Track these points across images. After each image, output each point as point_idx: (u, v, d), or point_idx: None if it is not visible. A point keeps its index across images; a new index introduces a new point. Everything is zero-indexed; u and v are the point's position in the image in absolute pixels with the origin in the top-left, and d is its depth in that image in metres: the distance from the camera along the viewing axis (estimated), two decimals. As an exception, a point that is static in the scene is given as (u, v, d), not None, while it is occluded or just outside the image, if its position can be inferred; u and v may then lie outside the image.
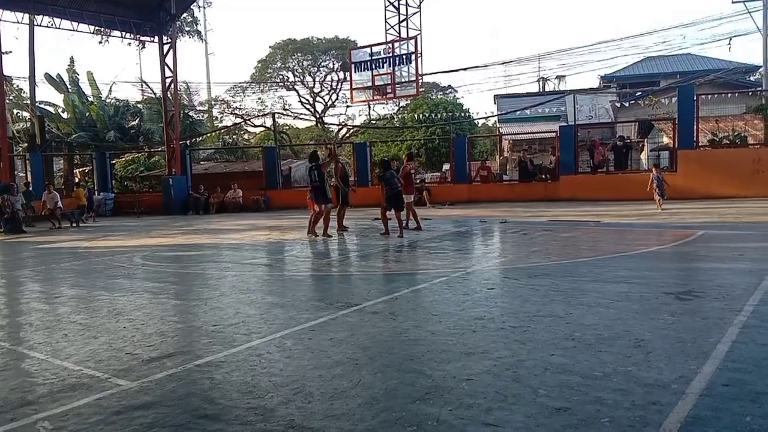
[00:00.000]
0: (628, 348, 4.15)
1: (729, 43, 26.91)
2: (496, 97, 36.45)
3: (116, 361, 4.47)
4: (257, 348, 4.58)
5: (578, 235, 11.24)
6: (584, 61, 31.91)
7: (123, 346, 4.83)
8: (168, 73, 24.54)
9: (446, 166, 26.68)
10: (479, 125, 42.07)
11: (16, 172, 25.03)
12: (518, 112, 30.93)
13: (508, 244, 10.67)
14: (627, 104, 30.20)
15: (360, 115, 46.66)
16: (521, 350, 4.20)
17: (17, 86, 35.86)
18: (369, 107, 42.85)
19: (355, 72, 24.67)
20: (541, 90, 39.15)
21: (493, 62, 41.71)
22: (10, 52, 31.21)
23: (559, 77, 39.00)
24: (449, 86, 43.42)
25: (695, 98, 19.30)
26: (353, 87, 24.97)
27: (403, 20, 23.96)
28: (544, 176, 22.16)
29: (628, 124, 27.68)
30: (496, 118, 35.75)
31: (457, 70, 28.51)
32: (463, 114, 35.81)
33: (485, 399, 3.37)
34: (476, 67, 34.66)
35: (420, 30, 23.85)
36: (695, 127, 19.27)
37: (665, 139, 25.89)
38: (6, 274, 9.89)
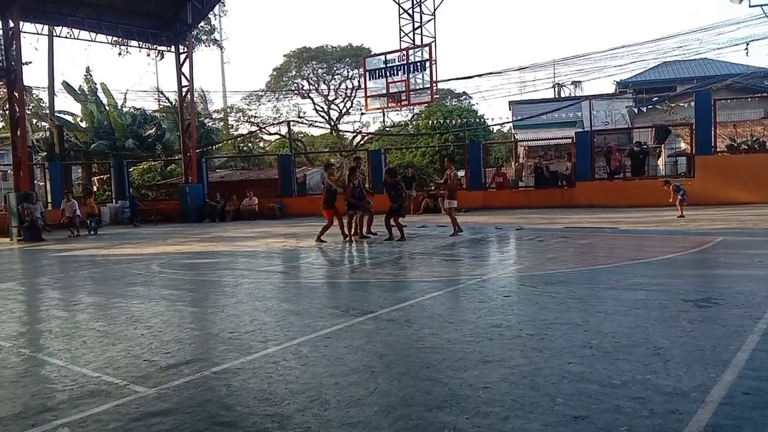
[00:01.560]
0: (646, 356, 4.11)
1: (746, 48, 26.61)
2: (511, 103, 36.36)
3: (134, 368, 4.51)
4: (273, 355, 4.59)
5: (595, 241, 11.16)
6: (600, 66, 31.70)
7: (141, 353, 4.87)
8: (184, 82, 24.78)
9: (461, 173, 26.65)
10: (494, 132, 41.97)
11: (35, 181, 25.40)
12: (534, 119, 30.85)
13: (524, 251, 10.62)
14: (644, 110, 30.02)
15: (374, 122, 46.85)
16: (538, 358, 4.18)
17: (37, 96, 36.42)
18: (383, 114, 42.97)
19: (369, 79, 24.80)
20: (556, 96, 38.98)
21: (508, 68, 41.58)
22: (30, 62, 31.74)
23: (575, 83, 38.80)
24: (464, 93, 43.43)
25: (712, 103, 19.12)
26: (368, 94, 25.10)
27: (418, 28, 24.06)
28: (560, 183, 22.04)
29: (644, 130, 27.45)
30: (511, 125, 35.65)
31: (471, 77, 28.64)
32: (477, 120, 35.77)
33: (502, 407, 3.35)
34: (491, 73, 34.48)
35: (434, 37, 23.93)
36: (713, 132, 19.09)
37: (683, 145, 25.69)
38: (26, 282, 10.02)
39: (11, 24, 19.37)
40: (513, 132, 35.59)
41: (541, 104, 34.75)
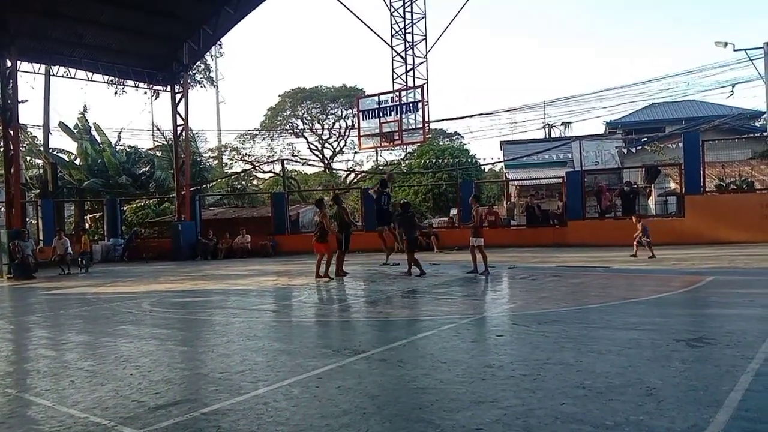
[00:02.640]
0: (639, 396, 4.09)
1: (732, 90, 27.18)
2: (502, 143, 36.80)
3: (123, 408, 4.44)
4: (264, 396, 4.54)
5: (587, 280, 11.18)
6: (589, 107, 32.41)
7: (129, 394, 4.80)
8: (179, 121, 24.98)
9: (453, 211, 26.77)
10: (486, 171, 42.34)
11: (27, 218, 25.30)
12: (524, 158, 31.19)
13: (516, 290, 10.62)
14: (633, 150, 30.43)
15: (367, 161, 47.16)
16: (531, 399, 4.15)
17: (31, 133, 36.59)
18: (376, 153, 43.33)
19: (362, 119, 25.05)
20: (547, 136, 39.51)
21: (499, 109, 42.20)
22: (26, 101, 31.97)
23: (565, 123, 39.39)
24: (455, 132, 43.95)
25: (701, 144, 19.41)
26: (361, 134, 25.30)
27: (410, 70, 24.43)
28: (551, 221, 22.15)
29: (634, 170, 27.77)
30: (502, 164, 36.00)
31: (462, 117, 29.02)
32: (469, 160, 36.11)
33: (495, 449, 3.32)
34: (482, 114, 35.23)
35: (426, 79, 24.29)
36: (702, 172, 19.33)
37: (672, 185, 25.97)
38: (14, 320, 9.91)
39: (9, 63, 19.59)
40: (504, 171, 35.92)
41: (531, 144, 35.19)
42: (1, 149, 20.46)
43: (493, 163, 38.42)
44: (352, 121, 40.39)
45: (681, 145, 20.89)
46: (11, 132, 20.05)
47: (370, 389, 4.59)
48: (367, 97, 26.10)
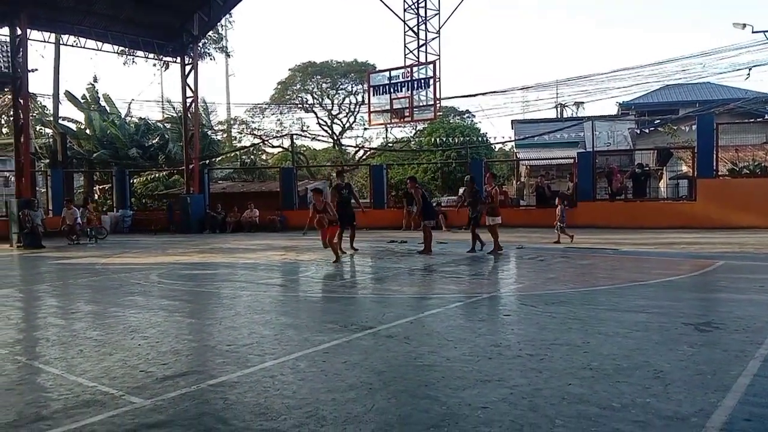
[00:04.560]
0: (646, 379, 4.07)
1: (748, 73, 26.71)
2: (513, 122, 36.51)
3: (130, 378, 4.47)
4: (271, 369, 4.56)
5: (596, 262, 11.14)
6: (603, 88, 31.80)
7: (137, 364, 4.84)
8: (189, 93, 24.89)
9: (462, 190, 26.66)
10: (496, 150, 42.09)
11: (37, 188, 25.42)
12: (536, 138, 30.95)
13: (524, 270, 10.59)
14: (646, 132, 30.11)
15: (377, 138, 46.99)
16: (538, 378, 4.15)
17: (41, 103, 36.60)
18: (386, 130, 43.12)
19: (373, 95, 24.91)
20: (559, 116, 39.15)
21: (511, 88, 41.80)
22: (36, 70, 31.86)
23: (578, 103, 39.00)
24: (467, 111, 43.62)
25: (715, 127, 19.17)
26: (371, 110, 25.19)
27: (422, 45, 24.21)
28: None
29: (646, 152, 27.52)
30: (513, 144, 35.75)
31: (474, 95, 28.81)
32: (480, 138, 35.88)
33: (501, 428, 3.32)
34: (494, 92, 34.64)
35: (438, 55, 24.08)
36: (715, 156, 19.12)
37: (684, 168, 25.73)
38: (24, 288, 10.00)
39: (18, 31, 19.50)
40: (515, 151, 35.68)
41: (543, 124, 34.90)
42: (11, 118, 20.46)
43: (503, 142, 38.13)
44: (363, 97, 40.13)
45: (694, 127, 20.65)
46: (21, 101, 20.01)
47: (377, 365, 4.60)
48: (378, 73, 25.93)
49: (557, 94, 36.39)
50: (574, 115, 38.41)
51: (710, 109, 26.18)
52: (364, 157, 43.47)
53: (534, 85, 41.31)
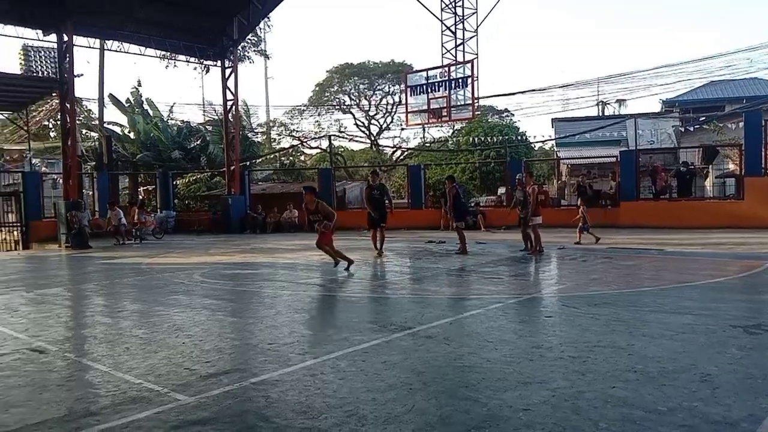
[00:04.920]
0: (693, 382, 3.97)
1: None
2: (553, 120, 35.99)
3: (175, 375, 4.57)
4: (311, 368, 4.60)
5: (640, 263, 10.90)
6: (645, 85, 31.18)
7: (182, 362, 4.94)
8: (229, 96, 25.28)
9: (501, 190, 26.43)
10: (536, 149, 41.57)
11: (84, 190, 26.15)
12: (577, 137, 30.44)
13: (566, 271, 10.43)
14: (691, 129, 29.31)
15: (414, 138, 46.93)
16: (581, 381, 4.08)
17: (86, 107, 37.67)
18: (423, 130, 43.03)
19: (410, 95, 24.90)
20: (600, 114, 38.45)
21: (551, 86, 41.25)
22: (82, 75, 32.82)
23: (620, 101, 38.25)
24: (505, 109, 43.23)
25: (763, 124, 18.55)
26: (408, 110, 25.17)
27: (460, 44, 24.09)
28: (603, 202, 21.64)
29: (692, 150, 26.77)
30: (553, 142, 35.25)
31: (513, 93, 28.48)
32: (519, 137, 35.49)
33: (543, 430, 3.28)
34: (533, 90, 34.23)
35: (476, 54, 23.91)
36: (763, 153, 18.49)
37: (731, 166, 24.97)
38: (72, 288, 10.30)
39: (65, 38, 20.11)
40: (555, 150, 35.17)
41: (584, 122, 34.28)
42: (59, 122, 21.09)
43: (543, 141, 37.60)
44: (400, 97, 40.13)
45: (741, 124, 20.02)
46: (68, 106, 20.63)
47: (416, 365, 4.60)
48: (415, 73, 25.90)
49: (598, 91, 35.77)
50: (616, 113, 37.65)
51: (758, 105, 25.34)
52: (401, 157, 43.46)
53: (574, 82, 40.62)
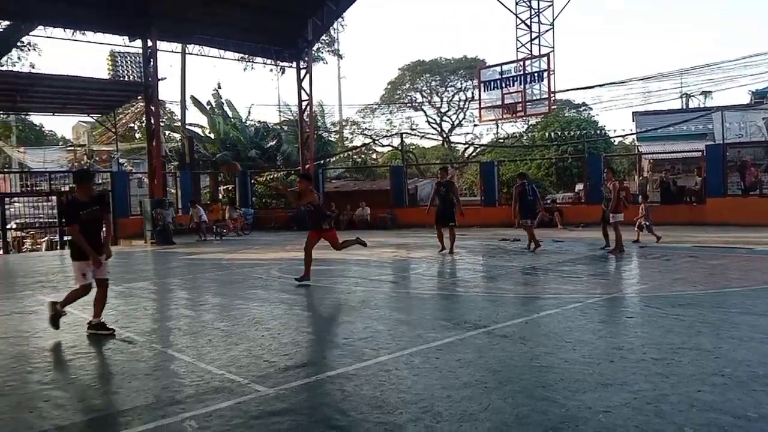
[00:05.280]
0: (789, 389, 3.75)
1: None
2: (634, 114, 34.66)
3: (255, 367, 4.72)
4: (386, 364, 4.64)
5: (727, 262, 10.36)
6: (732, 76, 29.53)
7: (261, 354, 5.09)
8: (304, 96, 25.81)
9: (579, 186, 25.73)
10: (615, 144, 40.20)
11: (167, 189, 27.36)
12: (659, 130, 29.20)
13: (647, 270, 10.03)
14: (784, 121, 27.54)
15: (487, 134, 46.37)
16: (664, 384, 3.93)
17: (169, 109, 39.36)
18: (497, 126, 42.45)
19: (484, 91, 24.59)
20: (684, 107, 36.72)
21: (631, 78, 39.73)
22: (165, 78, 34.22)
23: (705, 93, 36.36)
24: (583, 103, 42.00)
25: None
26: (482, 106, 24.87)
27: (535, 38, 23.58)
28: (688, 199, 20.69)
29: (785, 143, 25.14)
30: (634, 137, 33.97)
31: (591, 87, 27.67)
32: (597, 132, 34.42)
33: (624, 433, 3.18)
34: (612, 83, 33.06)
35: (552, 47, 23.33)
36: None
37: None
38: (158, 282, 10.80)
39: (149, 43, 21.10)
40: (636, 144, 33.88)
41: (667, 115, 32.80)
42: (144, 124, 22.13)
43: (623, 136, 36.33)
44: (472, 93, 39.76)
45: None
46: (153, 108, 21.67)
47: (492, 364, 4.55)
48: (488, 68, 25.56)
49: (681, 83, 34.14)
50: (702, 106, 35.85)
51: None
52: (473, 153, 43.06)
53: (655, 74, 38.93)
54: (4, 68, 22.62)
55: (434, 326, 5.91)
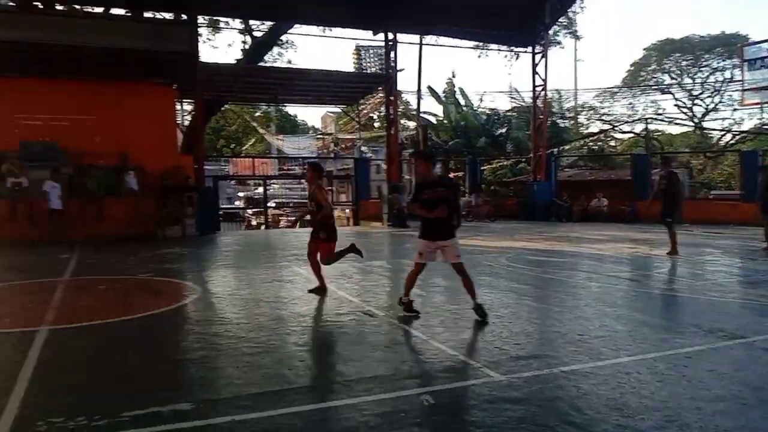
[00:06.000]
0: None
1: None
2: None
3: (486, 352, 4.78)
4: (626, 366, 4.38)
5: None
6: None
7: (492, 340, 5.14)
8: (539, 81, 25.18)
9: None
10: None
11: (403, 175, 28.81)
12: None
13: None
14: None
15: (750, 119, 40.85)
16: None
17: (405, 99, 41.27)
18: (761, 110, 37.14)
19: (747, 70, 21.75)
20: None
21: None
22: (403, 69, 35.96)
23: None
24: None
25: None
26: (745, 87, 22.01)
27: (819, 6, 20.11)
28: None
29: None
30: None
31: None
32: None
33: None
34: None
35: (842, 15, 19.69)
36: None
37: None
38: (393, 261, 11.44)
39: (390, 36, 22.31)
40: None
41: None
42: (383, 113, 23.53)
43: None
44: (732, 73, 35.31)
45: None
46: (392, 98, 22.94)
47: (751, 379, 4.05)
48: (753, 44, 22.53)
49: None
50: None
51: None
52: (731, 141, 38.26)
53: None
54: (267, 64, 25.52)
55: (681, 331, 5.41)
